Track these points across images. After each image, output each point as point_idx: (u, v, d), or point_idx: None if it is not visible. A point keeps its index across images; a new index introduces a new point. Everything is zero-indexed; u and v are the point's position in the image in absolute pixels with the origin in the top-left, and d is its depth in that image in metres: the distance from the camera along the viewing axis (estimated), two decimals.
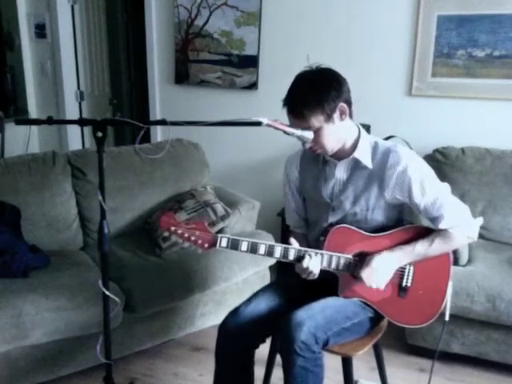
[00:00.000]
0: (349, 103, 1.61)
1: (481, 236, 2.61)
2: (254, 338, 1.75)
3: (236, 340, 1.71)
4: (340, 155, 1.69)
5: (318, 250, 1.64)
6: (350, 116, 1.65)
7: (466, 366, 2.38)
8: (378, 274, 1.63)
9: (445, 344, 2.32)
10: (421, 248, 1.64)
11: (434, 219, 1.65)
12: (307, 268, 1.59)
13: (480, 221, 1.70)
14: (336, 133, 1.61)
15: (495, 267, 2.33)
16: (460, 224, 1.65)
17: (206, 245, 1.62)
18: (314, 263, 1.60)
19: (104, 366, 1.79)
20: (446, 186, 1.68)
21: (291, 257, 1.62)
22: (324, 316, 1.61)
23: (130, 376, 2.31)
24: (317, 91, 1.56)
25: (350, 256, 1.67)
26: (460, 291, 2.19)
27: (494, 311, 2.17)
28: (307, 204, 1.86)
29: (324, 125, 1.57)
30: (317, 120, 1.56)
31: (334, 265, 1.65)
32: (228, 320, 1.73)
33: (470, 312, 2.21)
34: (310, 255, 1.60)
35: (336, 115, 1.59)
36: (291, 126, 1.60)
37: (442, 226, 1.63)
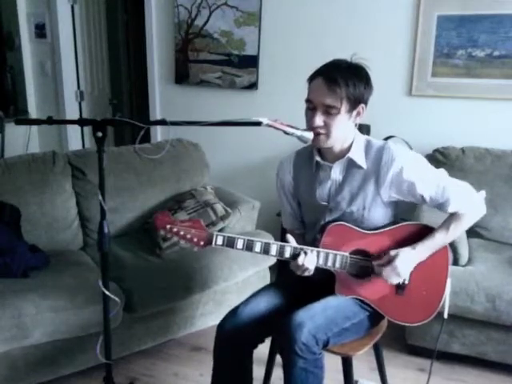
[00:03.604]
0: (365, 108, 1.63)
1: (481, 236, 2.62)
2: (253, 338, 1.75)
3: (234, 340, 1.71)
4: (334, 157, 1.69)
5: (314, 248, 1.64)
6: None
7: (466, 366, 2.38)
8: (400, 270, 1.62)
9: (445, 344, 2.32)
10: (439, 237, 1.64)
11: (441, 205, 1.65)
12: (302, 265, 1.59)
13: (483, 194, 1.70)
14: (345, 127, 1.61)
15: (495, 267, 2.33)
16: (467, 202, 1.65)
17: (202, 242, 1.61)
18: (310, 260, 1.60)
19: (104, 365, 1.79)
20: (442, 171, 1.69)
21: (287, 254, 1.62)
22: (324, 317, 1.61)
23: (130, 376, 2.31)
24: (355, 80, 1.56)
25: (346, 254, 1.67)
26: (460, 291, 2.19)
27: (494, 311, 2.17)
28: (303, 207, 1.85)
29: (342, 113, 1.57)
30: (344, 102, 1.55)
31: (330, 263, 1.65)
32: (227, 320, 1.73)
33: (470, 312, 2.20)
34: (305, 252, 1.60)
35: (355, 112, 1.60)
36: (313, 94, 1.58)
37: (450, 209, 1.64)
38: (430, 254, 1.66)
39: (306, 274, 1.63)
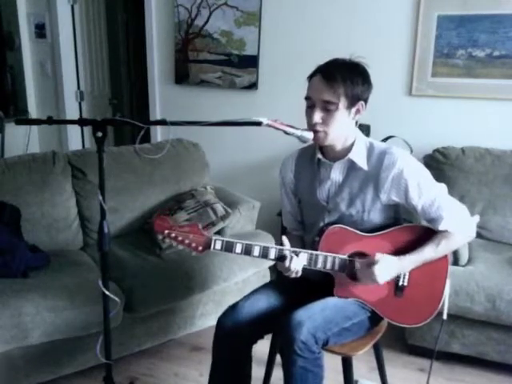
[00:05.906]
0: (365, 106, 1.63)
1: (481, 236, 2.61)
2: (252, 334, 1.75)
3: (233, 335, 1.71)
4: (336, 156, 1.69)
5: (313, 251, 1.64)
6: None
7: (466, 366, 2.38)
8: (376, 277, 1.60)
9: (445, 344, 2.32)
10: (428, 254, 1.64)
11: (433, 220, 1.65)
12: (289, 267, 1.60)
13: (477, 218, 1.70)
14: (344, 124, 1.62)
15: (495, 267, 2.33)
16: (459, 224, 1.65)
17: (200, 248, 1.62)
18: (298, 262, 1.60)
19: (104, 365, 1.79)
20: (442, 187, 1.68)
21: (288, 257, 1.61)
22: (324, 316, 1.61)
23: (130, 376, 2.31)
24: (354, 77, 1.57)
25: (345, 256, 1.66)
26: (460, 291, 2.19)
27: (494, 311, 2.17)
28: (303, 206, 1.85)
29: (341, 109, 1.57)
30: (342, 98, 1.56)
31: (329, 265, 1.65)
32: (226, 315, 1.73)
33: (470, 312, 2.20)
34: (295, 255, 1.60)
35: (354, 109, 1.60)
36: (312, 91, 1.60)
37: (441, 227, 1.63)
38: (414, 267, 1.65)
39: (294, 275, 1.63)
